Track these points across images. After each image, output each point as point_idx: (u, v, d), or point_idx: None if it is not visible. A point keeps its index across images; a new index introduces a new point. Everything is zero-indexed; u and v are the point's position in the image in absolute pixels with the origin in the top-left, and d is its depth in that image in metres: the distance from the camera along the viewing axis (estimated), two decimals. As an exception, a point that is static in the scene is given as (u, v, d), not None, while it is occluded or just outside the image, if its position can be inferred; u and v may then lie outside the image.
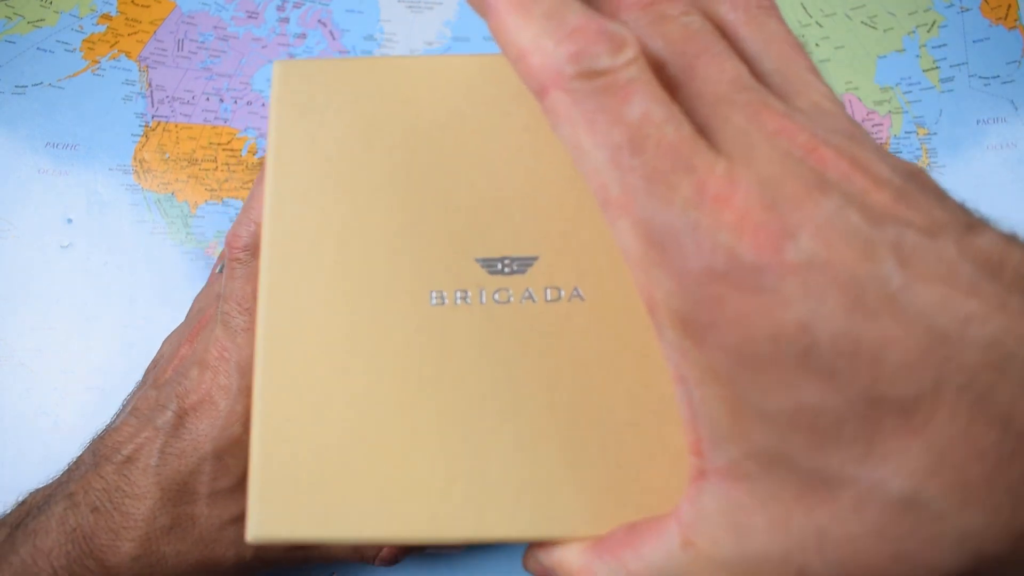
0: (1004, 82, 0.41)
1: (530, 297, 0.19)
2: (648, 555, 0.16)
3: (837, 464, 0.14)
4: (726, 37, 0.16)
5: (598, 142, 0.14)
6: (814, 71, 0.16)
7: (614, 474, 0.18)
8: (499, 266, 0.19)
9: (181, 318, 0.38)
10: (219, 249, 0.39)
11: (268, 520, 0.18)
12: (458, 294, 0.19)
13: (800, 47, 0.16)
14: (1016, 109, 0.41)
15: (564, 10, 0.15)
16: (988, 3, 0.43)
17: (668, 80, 0.15)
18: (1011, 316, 0.13)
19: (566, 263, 0.19)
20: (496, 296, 0.19)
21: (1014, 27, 0.42)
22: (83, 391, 0.37)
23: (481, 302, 0.19)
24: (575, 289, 0.19)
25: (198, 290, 0.38)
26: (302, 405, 0.18)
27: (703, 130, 0.15)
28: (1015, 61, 0.42)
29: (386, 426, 0.18)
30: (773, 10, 0.17)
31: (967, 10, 0.43)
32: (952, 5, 0.43)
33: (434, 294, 0.19)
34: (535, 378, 0.18)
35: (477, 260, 0.19)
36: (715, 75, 0.15)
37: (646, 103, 0.14)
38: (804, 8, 0.43)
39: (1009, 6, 0.42)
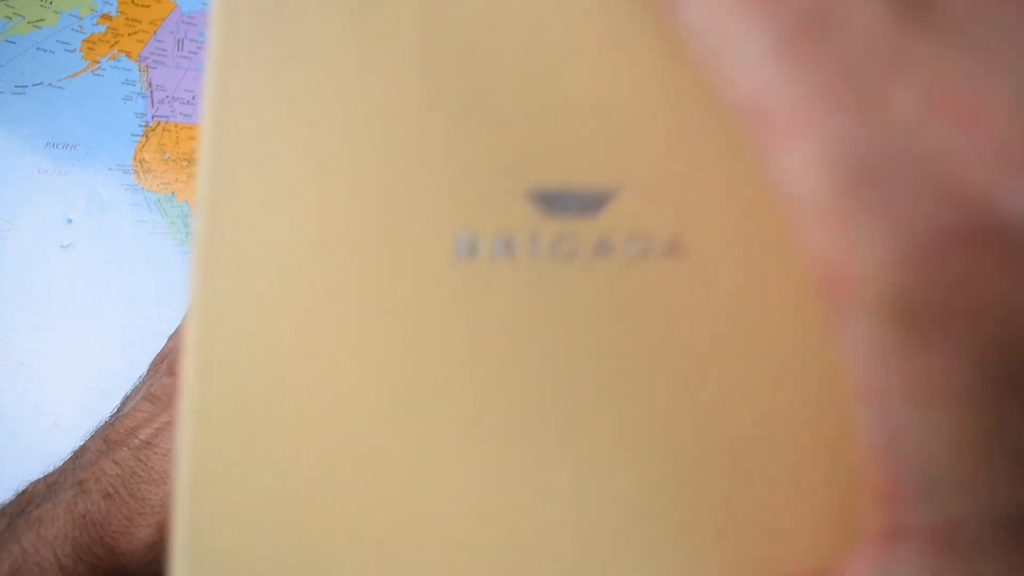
0: (1003, 81, 0.41)
1: (606, 250, 0.12)
2: None
3: None
4: None
5: (757, 25, 0.10)
6: None
7: (721, 515, 0.12)
8: (561, 202, 0.12)
9: (180, 318, 0.38)
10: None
11: (200, 570, 0.12)
12: (498, 240, 0.12)
13: None
14: (1015, 108, 0.41)
15: None
16: (987, 2, 0.43)
17: None
18: None
19: (660, 201, 0.12)
20: (556, 247, 0.12)
21: (1013, 26, 0.42)
22: (83, 391, 0.37)
23: (532, 254, 0.12)
24: (672, 241, 0.12)
25: (198, 290, 0.38)
26: (253, 410, 0.12)
27: (910, 10, 0.10)
28: (1014, 60, 0.42)
29: (380, 441, 0.12)
30: None
31: (966, 9, 0.43)
32: (951, 4, 0.43)
33: (461, 241, 0.12)
34: (609, 372, 0.12)
35: (527, 192, 0.12)
36: None
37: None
38: (803, 8, 0.43)
39: (1008, 5, 0.42)
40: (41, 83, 0.41)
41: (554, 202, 0.12)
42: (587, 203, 0.12)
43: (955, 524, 0.10)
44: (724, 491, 0.12)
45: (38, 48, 0.41)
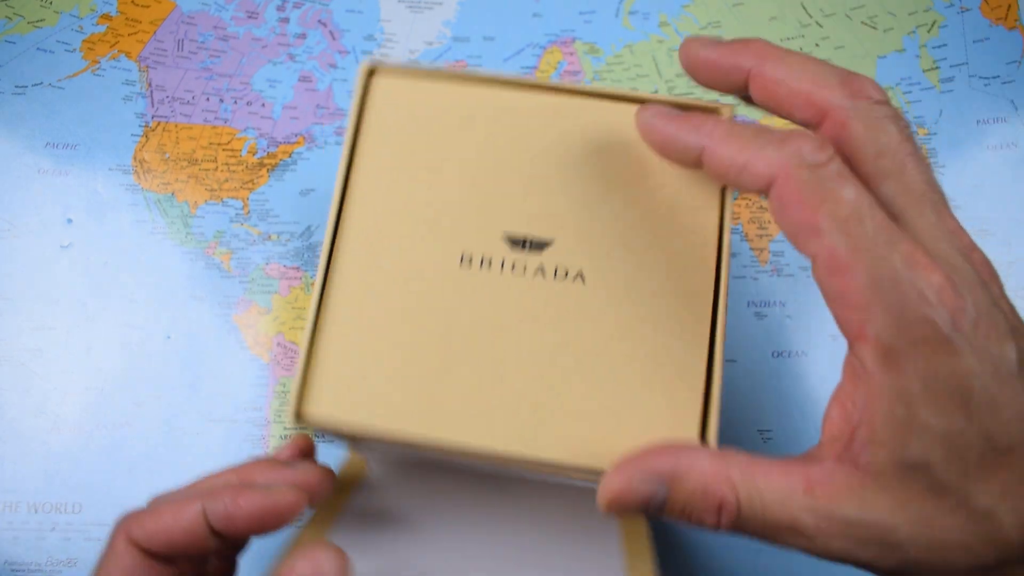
0: (1004, 82, 0.41)
1: (542, 273, 0.24)
2: (773, 483, 0.20)
3: (956, 477, 0.19)
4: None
5: (827, 213, 0.19)
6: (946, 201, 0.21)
7: (593, 415, 0.23)
8: (521, 244, 0.24)
9: (181, 318, 0.38)
10: (219, 249, 0.39)
11: (321, 406, 0.23)
12: (484, 259, 0.24)
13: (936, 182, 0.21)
14: (1016, 109, 0.41)
15: (764, 132, 0.21)
16: (988, 3, 0.43)
17: (868, 174, 0.20)
18: None
19: (575, 252, 0.24)
20: (514, 267, 0.24)
21: (1014, 27, 0.42)
22: (83, 391, 0.37)
23: (500, 269, 0.24)
24: (579, 273, 0.24)
25: (198, 290, 0.38)
26: (363, 318, 0.24)
27: (897, 217, 0.20)
28: (1015, 61, 0.42)
29: (423, 351, 0.23)
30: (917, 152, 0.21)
31: (967, 10, 0.43)
32: (952, 5, 0.43)
33: (463, 257, 0.24)
34: (534, 327, 0.24)
35: (503, 235, 0.24)
36: (919, 176, 0.20)
37: (855, 188, 0.19)
38: (804, 8, 0.43)
39: (1009, 6, 0.42)
40: (41, 83, 0.41)
41: (518, 243, 0.24)
42: (535, 245, 0.24)
43: (877, 463, 0.19)
44: (591, 402, 0.23)
45: (38, 48, 0.41)
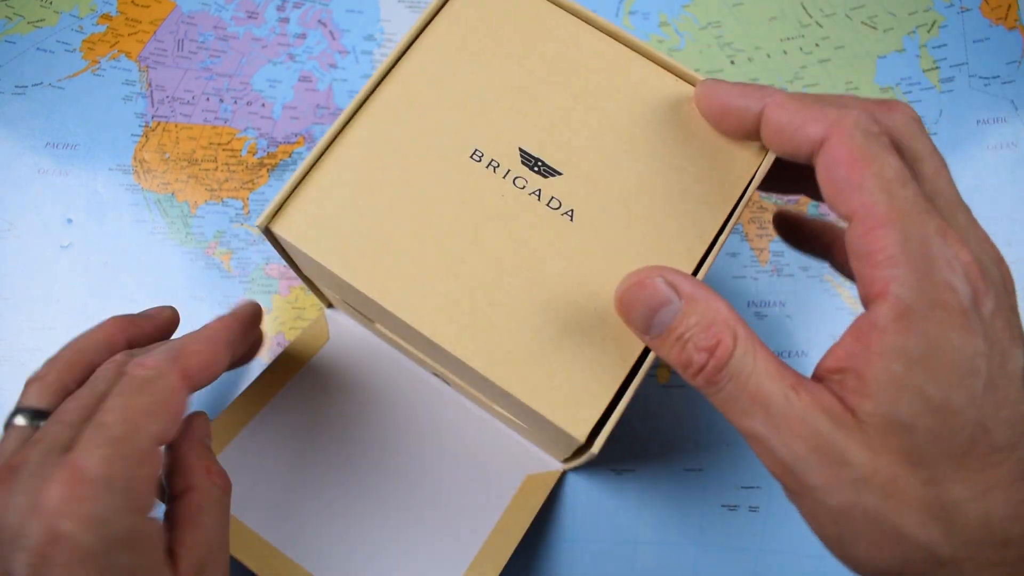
0: (1004, 82, 0.41)
1: (538, 195, 0.25)
2: (768, 362, 0.20)
3: (938, 454, 0.18)
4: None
5: (873, 173, 0.20)
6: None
7: (520, 340, 0.24)
8: (532, 162, 0.25)
9: (181, 318, 0.38)
10: (219, 249, 0.39)
11: (286, 226, 0.24)
12: (493, 161, 0.25)
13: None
14: (1016, 109, 0.41)
15: (822, 97, 0.22)
16: (988, 3, 0.43)
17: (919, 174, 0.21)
18: None
19: (576, 191, 0.25)
20: (516, 179, 0.25)
21: (1014, 27, 0.42)
22: (83, 391, 0.37)
23: (503, 175, 0.25)
24: (570, 211, 0.25)
25: (198, 290, 0.38)
26: (361, 170, 0.25)
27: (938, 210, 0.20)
28: (1015, 61, 0.42)
29: (399, 219, 0.25)
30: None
31: (967, 10, 0.43)
32: (952, 5, 0.43)
33: (476, 153, 0.25)
34: (506, 248, 0.24)
35: (520, 149, 0.25)
36: (951, 186, 0.21)
37: (901, 161, 0.20)
38: (804, 8, 0.43)
39: (1009, 6, 0.42)
40: (41, 83, 0.41)
41: (529, 160, 0.25)
42: (544, 170, 0.25)
43: (864, 412, 0.19)
44: (543, 324, 0.24)
45: (38, 48, 0.41)
